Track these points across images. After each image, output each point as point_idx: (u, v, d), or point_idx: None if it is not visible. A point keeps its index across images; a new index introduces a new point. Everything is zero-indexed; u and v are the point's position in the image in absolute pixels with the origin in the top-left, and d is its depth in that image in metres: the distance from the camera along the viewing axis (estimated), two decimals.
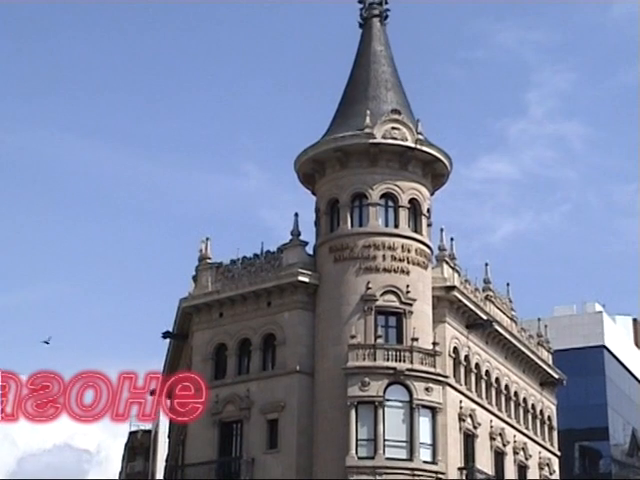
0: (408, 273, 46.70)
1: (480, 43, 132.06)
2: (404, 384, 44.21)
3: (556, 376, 60.03)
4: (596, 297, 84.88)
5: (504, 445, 52.66)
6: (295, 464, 44.80)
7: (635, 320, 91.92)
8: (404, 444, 43.57)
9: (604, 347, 79.85)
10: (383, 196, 47.61)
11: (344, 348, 44.86)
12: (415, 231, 47.83)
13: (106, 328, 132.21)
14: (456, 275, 49.78)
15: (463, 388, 49.23)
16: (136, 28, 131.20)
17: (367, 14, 52.53)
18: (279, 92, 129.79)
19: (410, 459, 43.45)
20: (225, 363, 48.27)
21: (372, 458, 43.15)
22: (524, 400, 56.34)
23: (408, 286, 46.34)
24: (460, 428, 48.23)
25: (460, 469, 47.00)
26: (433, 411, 44.59)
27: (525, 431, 55.77)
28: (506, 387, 54.28)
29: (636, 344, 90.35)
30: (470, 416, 49.24)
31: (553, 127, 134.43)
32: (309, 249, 48.44)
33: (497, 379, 53.24)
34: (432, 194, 49.88)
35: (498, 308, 54.12)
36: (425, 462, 43.74)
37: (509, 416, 54.16)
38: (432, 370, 44.92)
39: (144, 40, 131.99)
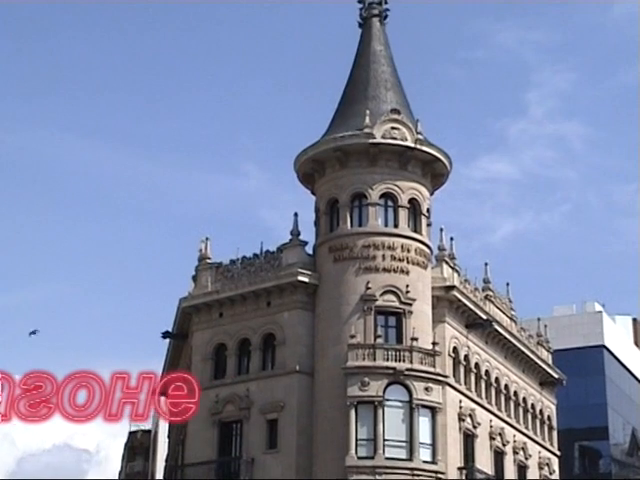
0: (408, 273, 46.71)
1: (480, 43, 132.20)
2: (404, 384, 44.22)
3: (556, 376, 60.03)
4: (596, 297, 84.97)
5: (504, 445, 52.67)
6: (295, 464, 44.80)
7: (635, 320, 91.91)
8: (404, 444, 43.58)
9: (604, 347, 79.83)
10: (383, 196, 47.62)
11: (344, 348, 44.86)
12: (415, 231, 47.84)
13: (106, 328, 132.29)
14: (456, 275, 49.78)
15: (463, 388, 49.24)
16: (136, 28, 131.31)
17: (367, 14, 52.53)
18: (279, 92, 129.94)
19: (410, 459, 43.46)
20: (225, 363, 48.28)
21: (372, 458, 43.16)
22: (524, 400, 56.36)
23: (408, 286, 46.35)
24: (460, 428, 48.23)
25: (460, 469, 47.00)
26: (433, 411, 44.60)
27: (525, 431, 55.77)
28: (506, 387, 54.29)
29: (636, 344, 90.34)
30: (470, 416, 49.25)
31: (553, 127, 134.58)
32: (309, 249, 48.46)
33: (497, 379, 53.25)
34: (432, 194, 49.88)
35: (498, 308, 54.13)
36: (425, 462, 43.76)
37: (509, 416, 54.17)
38: (432, 370, 44.93)
39: (144, 40, 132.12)
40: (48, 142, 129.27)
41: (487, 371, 52.26)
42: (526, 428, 56.07)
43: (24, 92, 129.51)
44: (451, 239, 50.52)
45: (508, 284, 57.23)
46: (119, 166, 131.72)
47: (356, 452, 43.32)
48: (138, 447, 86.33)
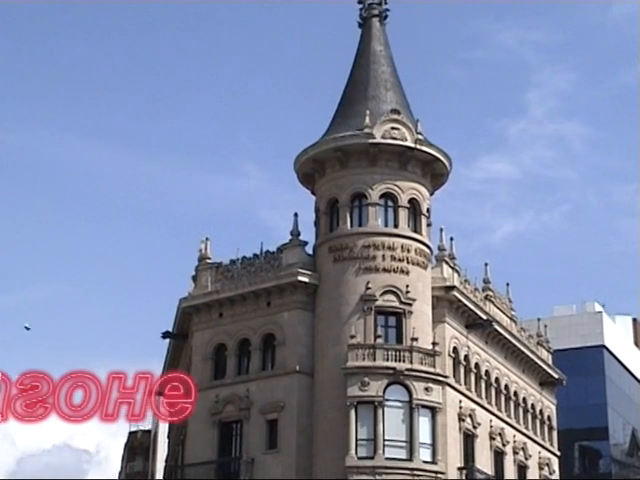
0: (408, 273, 46.70)
1: (480, 43, 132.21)
2: (404, 384, 44.21)
3: (556, 376, 60.02)
4: (596, 297, 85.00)
5: (504, 445, 52.66)
6: (295, 464, 44.78)
7: (635, 320, 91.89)
8: (404, 444, 43.58)
9: (604, 347, 79.84)
10: (383, 196, 47.61)
11: (344, 348, 44.85)
12: (415, 231, 47.83)
13: (106, 328, 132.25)
14: (456, 275, 49.77)
15: (463, 388, 49.23)
16: (136, 28, 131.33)
17: (367, 14, 52.52)
18: (279, 92, 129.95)
19: (410, 459, 43.45)
20: (225, 363, 48.26)
21: (372, 458, 43.15)
22: (524, 400, 56.34)
23: (408, 286, 46.34)
24: (460, 428, 48.22)
25: (460, 469, 46.98)
26: (433, 411, 44.59)
27: (525, 431, 55.76)
28: (506, 387, 54.27)
29: (636, 344, 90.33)
30: (470, 416, 49.24)
31: (553, 127, 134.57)
32: (309, 249, 48.45)
33: (497, 379, 53.23)
34: (432, 194, 49.87)
35: (498, 308, 54.12)
36: (425, 462, 43.75)
37: (509, 416, 54.16)
38: (432, 370, 44.93)
39: (144, 40, 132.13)
40: (48, 142, 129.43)
41: (487, 371, 52.25)
42: (526, 428, 56.05)
43: (24, 92, 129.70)
44: (451, 239, 50.55)
45: (508, 284, 57.33)
46: (119, 166, 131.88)
47: (356, 452, 43.31)
48: (138, 447, 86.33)
